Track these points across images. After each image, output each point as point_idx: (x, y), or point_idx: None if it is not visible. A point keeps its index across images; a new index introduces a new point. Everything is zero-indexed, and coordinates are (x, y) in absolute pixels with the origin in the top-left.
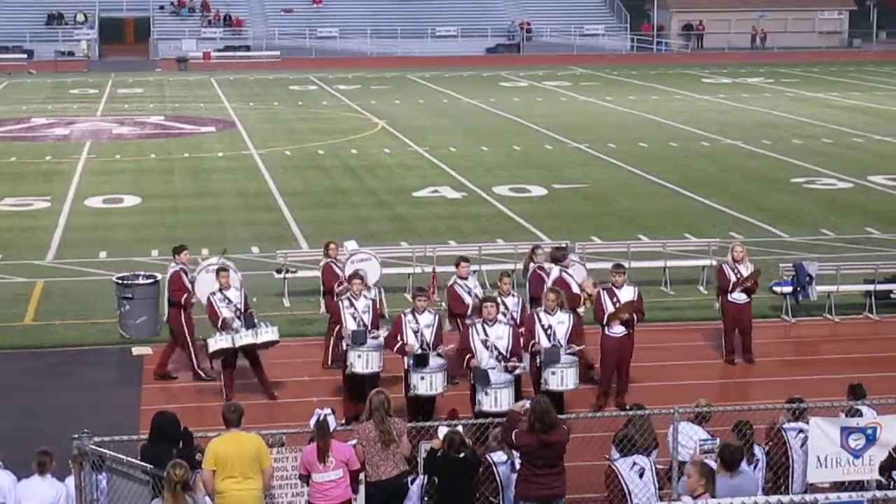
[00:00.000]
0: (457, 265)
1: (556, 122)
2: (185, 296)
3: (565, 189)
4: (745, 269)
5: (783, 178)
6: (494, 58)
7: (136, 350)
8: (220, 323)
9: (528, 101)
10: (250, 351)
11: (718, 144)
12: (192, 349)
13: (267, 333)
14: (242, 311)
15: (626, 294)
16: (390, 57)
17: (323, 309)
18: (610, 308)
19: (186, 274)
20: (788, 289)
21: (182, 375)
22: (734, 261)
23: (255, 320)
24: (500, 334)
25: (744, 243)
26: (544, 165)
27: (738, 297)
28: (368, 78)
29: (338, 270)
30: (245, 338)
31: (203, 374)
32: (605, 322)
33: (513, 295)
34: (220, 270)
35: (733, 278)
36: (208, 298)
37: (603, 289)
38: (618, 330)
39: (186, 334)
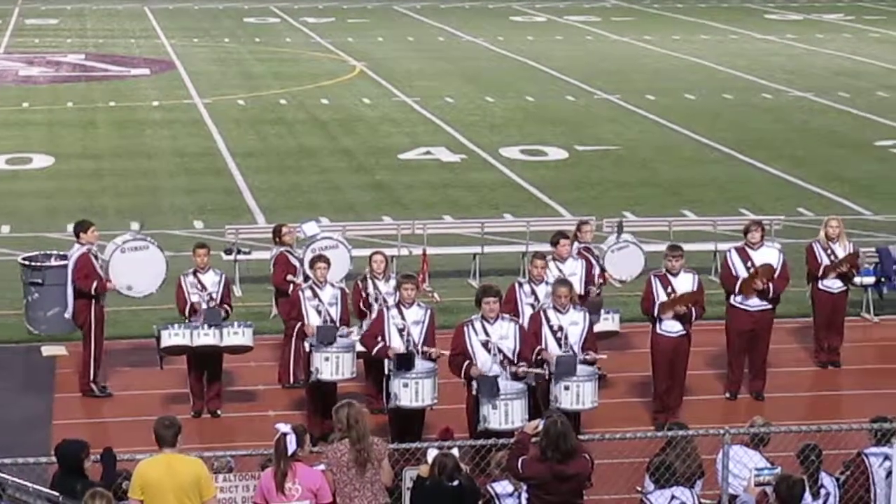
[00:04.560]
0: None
1: (580, 68)
2: (97, 282)
3: (591, 151)
4: (842, 250)
5: (865, 140)
6: None
7: (47, 350)
8: (186, 309)
9: (546, 41)
10: (212, 355)
11: (784, 97)
12: (92, 352)
13: (235, 335)
14: (217, 302)
15: (684, 283)
16: None
17: (275, 312)
18: (664, 299)
19: (96, 257)
20: (870, 279)
21: (113, 381)
22: (828, 239)
23: (223, 316)
24: (504, 333)
25: (828, 220)
26: (565, 122)
27: (832, 284)
28: (344, 9)
29: (295, 263)
30: (205, 336)
31: (95, 389)
32: (655, 315)
33: (547, 283)
34: (198, 247)
35: (825, 261)
36: (178, 280)
37: (655, 276)
38: (672, 327)
39: (92, 333)
